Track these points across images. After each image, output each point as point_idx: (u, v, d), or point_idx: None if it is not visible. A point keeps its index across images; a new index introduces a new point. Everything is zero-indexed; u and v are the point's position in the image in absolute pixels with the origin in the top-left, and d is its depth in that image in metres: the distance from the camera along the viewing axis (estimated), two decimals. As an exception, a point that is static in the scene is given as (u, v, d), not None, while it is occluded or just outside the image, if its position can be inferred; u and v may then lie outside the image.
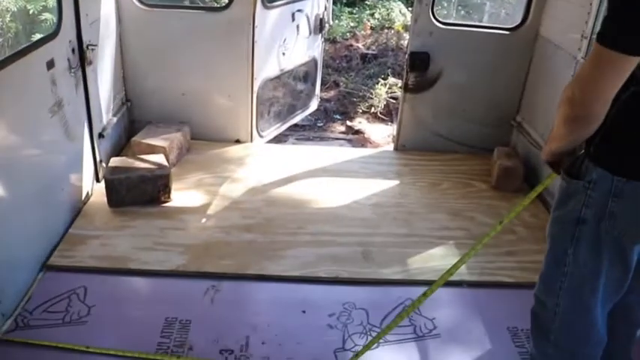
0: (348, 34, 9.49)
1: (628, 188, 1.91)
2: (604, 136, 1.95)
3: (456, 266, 2.52)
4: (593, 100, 1.78)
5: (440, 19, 4.92)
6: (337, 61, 8.77)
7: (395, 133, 5.55)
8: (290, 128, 6.19)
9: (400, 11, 9.77)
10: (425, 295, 2.54)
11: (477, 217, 4.32)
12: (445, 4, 8.41)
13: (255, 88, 5.13)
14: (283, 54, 5.41)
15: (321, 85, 7.03)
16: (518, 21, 4.95)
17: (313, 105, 6.39)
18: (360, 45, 9.12)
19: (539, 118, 4.76)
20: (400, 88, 6.10)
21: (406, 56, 5.06)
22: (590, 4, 3.87)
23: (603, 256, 2.04)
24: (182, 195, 4.36)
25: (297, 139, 6.39)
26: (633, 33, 1.66)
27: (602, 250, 2.03)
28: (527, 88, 5.03)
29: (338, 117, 7.34)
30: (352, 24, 9.74)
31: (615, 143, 1.94)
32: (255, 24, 4.84)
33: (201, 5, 7.65)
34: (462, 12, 8.65)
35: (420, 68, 4.95)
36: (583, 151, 2.04)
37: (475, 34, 5.05)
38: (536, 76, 4.89)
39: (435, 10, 4.84)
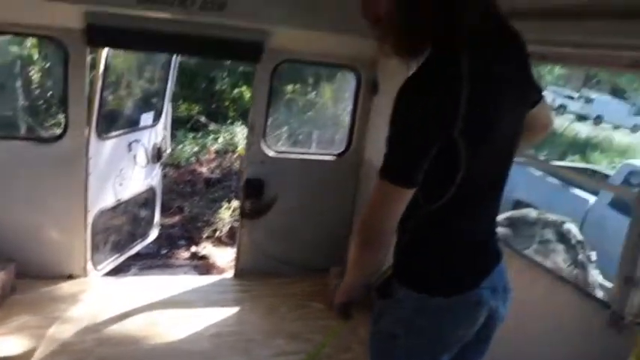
0: (192, 158, 9.65)
1: (430, 304, 2.09)
2: (404, 257, 2.15)
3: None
4: (378, 226, 1.97)
5: (272, 148, 5.21)
6: (181, 186, 8.82)
7: (234, 259, 5.58)
8: (132, 257, 6.01)
9: (243, 135, 10.17)
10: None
11: (314, 338, 4.36)
12: (278, 132, 8.94)
13: (90, 221, 4.96)
14: (120, 184, 5.36)
15: (165, 210, 6.99)
16: (344, 147, 5.38)
17: (153, 234, 6.29)
18: (204, 169, 9.28)
19: (370, 237, 5.06)
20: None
21: (241, 184, 5.23)
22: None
23: (417, 368, 2.17)
24: (3, 342, 3.96)
25: (140, 268, 6.21)
26: (406, 169, 1.89)
27: (415, 362, 2.16)
28: (357, 209, 5.37)
29: (183, 243, 7.28)
30: (196, 148, 9.95)
31: (413, 264, 2.14)
32: (90, 155, 4.77)
33: (32, 136, 7.42)
34: (293, 140, 9.24)
35: (255, 195, 5.13)
36: (391, 271, 2.21)
37: (305, 161, 5.40)
38: (364, 198, 5.27)
39: (266, 138, 5.13)
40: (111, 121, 5.75)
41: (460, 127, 1.81)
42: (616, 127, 22.60)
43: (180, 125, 10.45)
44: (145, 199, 5.99)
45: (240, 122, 10.65)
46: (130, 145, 5.45)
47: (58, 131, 4.87)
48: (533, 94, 2.14)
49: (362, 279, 2.18)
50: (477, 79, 1.80)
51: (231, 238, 7.24)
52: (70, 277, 4.99)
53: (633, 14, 2.65)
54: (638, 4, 2.64)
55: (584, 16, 2.91)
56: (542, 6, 3.15)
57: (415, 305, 2.10)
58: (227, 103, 11.47)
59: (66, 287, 4.87)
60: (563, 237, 6.84)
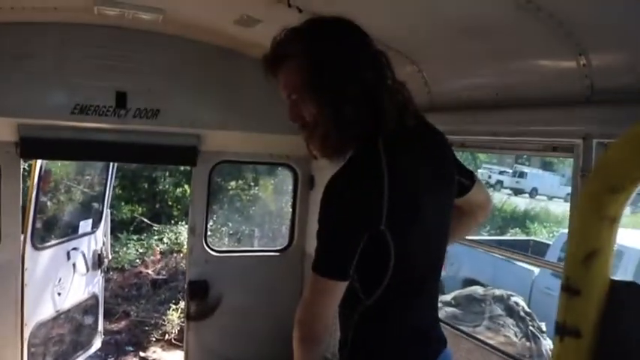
0: (137, 260, 9.48)
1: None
2: (349, 352, 2.14)
3: None
4: (314, 320, 1.98)
5: (214, 248, 5.20)
6: (126, 290, 8.61)
7: (184, 361, 5.40)
8: (76, 369, 5.75)
9: (188, 234, 10.12)
10: None
11: None
12: (222, 229, 8.95)
13: (26, 335, 4.74)
14: (59, 294, 5.20)
15: (110, 316, 6.80)
16: (287, 242, 5.44)
17: (96, 343, 6.05)
18: (149, 271, 9.10)
19: (320, 328, 5.02)
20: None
21: (185, 286, 5.16)
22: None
23: None
24: None
25: (84, 379, 5.92)
26: (336, 262, 1.95)
27: None
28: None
29: (130, 349, 7.04)
30: (141, 250, 9.80)
31: (359, 358, 2.15)
32: (25, 266, 4.63)
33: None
34: (238, 236, 9.28)
35: (200, 296, 5.04)
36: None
37: (248, 259, 5.39)
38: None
39: (208, 239, 5.13)
40: (48, 230, 5.66)
41: (385, 220, 1.90)
42: (550, 198, 23.59)
43: (123, 227, 10.33)
44: (87, 307, 5.81)
45: (184, 222, 10.58)
46: (68, 253, 5.35)
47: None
48: (460, 180, 2.24)
49: None
50: (397, 175, 1.91)
51: (181, 340, 7.02)
52: (4, 397, 4.71)
53: (539, 104, 2.89)
54: (542, 96, 2.88)
55: (496, 107, 3.15)
56: (457, 100, 3.39)
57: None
58: (170, 203, 11.43)
59: (0, 410, 4.58)
60: (512, 310, 6.97)
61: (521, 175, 25.52)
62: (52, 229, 5.82)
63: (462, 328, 4.33)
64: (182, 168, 11.15)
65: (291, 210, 5.40)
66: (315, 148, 2.06)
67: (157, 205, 11.42)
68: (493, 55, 3.04)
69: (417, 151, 2.06)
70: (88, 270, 5.63)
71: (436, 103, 3.52)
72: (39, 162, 4.82)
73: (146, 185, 11.47)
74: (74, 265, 5.42)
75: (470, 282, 8.61)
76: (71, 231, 5.81)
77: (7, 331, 4.62)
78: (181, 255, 9.53)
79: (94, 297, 5.89)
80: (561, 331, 1.30)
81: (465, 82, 3.46)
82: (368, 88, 1.96)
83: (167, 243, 9.99)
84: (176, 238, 10.06)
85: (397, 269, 1.99)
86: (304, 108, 2.00)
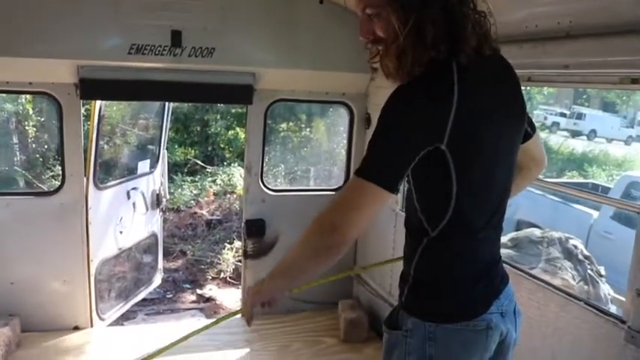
0: (192, 201, 9.68)
1: (439, 332, 2.06)
2: (411, 286, 2.12)
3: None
4: (349, 227, 1.86)
5: (270, 187, 5.23)
6: (182, 230, 8.83)
7: (241, 300, 5.54)
8: (139, 303, 5.99)
9: (241, 175, 10.22)
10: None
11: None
12: (275, 170, 9.00)
13: (93, 271, 4.94)
14: (121, 232, 5.36)
15: (168, 255, 6.97)
16: (342, 181, 5.42)
17: (157, 280, 6.27)
18: (204, 212, 9.29)
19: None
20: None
21: (242, 224, 5.23)
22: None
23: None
24: (10, 401, 3.92)
25: (146, 314, 6.19)
26: (388, 170, 1.85)
27: (427, 390, 2.12)
28: (360, 242, 5.34)
29: (187, 286, 7.25)
30: (195, 191, 9.98)
31: (421, 292, 2.12)
32: (89, 205, 4.78)
33: (30, 190, 7.45)
34: (291, 177, 9.32)
35: (256, 235, 5.12)
36: (398, 302, 2.19)
37: (304, 197, 5.40)
38: (366, 230, 5.23)
39: (264, 178, 5.16)
40: (108, 171, 5.80)
41: (447, 139, 1.82)
42: (610, 141, 22.72)
43: (177, 169, 10.54)
44: (147, 246, 5.99)
45: (236, 163, 10.71)
46: (128, 193, 5.48)
47: (57, 183, 4.88)
48: (525, 124, 2.16)
49: (295, 284, 2.10)
50: (468, 95, 1.82)
51: (236, 279, 7.22)
52: (76, 328, 4.94)
53: (619, 31, 2.69)
54: (621, 21, 2.68)
55: (568, 37, 2.96)
56: (525, 31, 3.21)
57: (424, 334, 2.08)
58: (222, 145, 11.56)
59: (71, 339, 4.82)
60: (570, 253, 6.80)
61: (580, 116, 24.45)
62: (112, 169, 5.96)
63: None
64: (233, 110, 11.23)
65: (344, 150, 5.36)
66: (390, 64, 1.92)
67: (210, 148, 11.59)
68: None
69: (489, 81, 1.97)
70: (147, 209, 5.77)
71: (501, 35, 3.32)
72: (97, 104, 4.89)
73: (198, 128, 11.63)
74: (134, 204, 5.56)
75: (526, 224, 8.45)
76: (130, 171, 5.96)
77: (76, 268, 4.85)
78: (234, 196, 9.69)
79: (154, 235, 6.06)
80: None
81: (535, 11, 3.23)
82: (450, 10, 1.84)
83: (220, 184, 10.16)
84: (229, 180, 10.21)
85: (460, 197, 1.92)
86: (379, 24, 1.90)
